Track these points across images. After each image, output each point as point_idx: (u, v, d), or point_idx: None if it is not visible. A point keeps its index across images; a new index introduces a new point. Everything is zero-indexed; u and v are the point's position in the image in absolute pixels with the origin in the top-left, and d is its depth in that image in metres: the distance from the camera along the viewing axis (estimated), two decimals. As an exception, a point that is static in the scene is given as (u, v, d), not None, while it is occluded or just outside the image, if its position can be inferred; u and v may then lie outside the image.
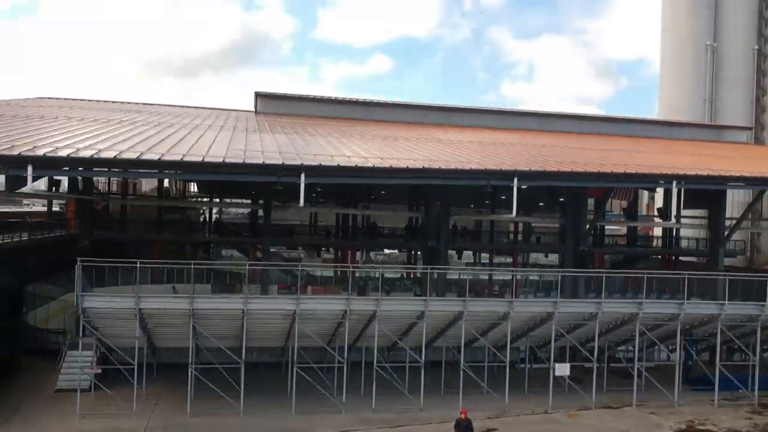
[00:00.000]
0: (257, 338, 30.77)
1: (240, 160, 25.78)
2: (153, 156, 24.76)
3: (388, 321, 30.15)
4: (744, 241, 68.89)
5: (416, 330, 30.95)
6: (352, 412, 29.05)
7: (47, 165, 23.55)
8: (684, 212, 59.42)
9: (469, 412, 26.11)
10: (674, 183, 32.16)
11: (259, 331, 30.10)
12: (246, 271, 31.61)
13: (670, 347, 35.62)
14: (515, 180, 28.84)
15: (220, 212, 72.84)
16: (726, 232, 41.11)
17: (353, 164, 27.37)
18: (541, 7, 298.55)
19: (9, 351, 35.43)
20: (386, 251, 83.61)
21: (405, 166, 28.10)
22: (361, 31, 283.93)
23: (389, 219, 62.09)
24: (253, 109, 59.42)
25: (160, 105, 60.50)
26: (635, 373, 32.41)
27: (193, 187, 71.85)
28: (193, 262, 29.12)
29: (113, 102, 59.88)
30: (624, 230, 74.50)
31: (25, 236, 46.55)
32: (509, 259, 75.98)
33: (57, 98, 58.78)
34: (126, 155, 24.36)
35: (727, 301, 32.28)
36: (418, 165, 28.41)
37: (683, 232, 64.08)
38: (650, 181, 33.69)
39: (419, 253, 61.33)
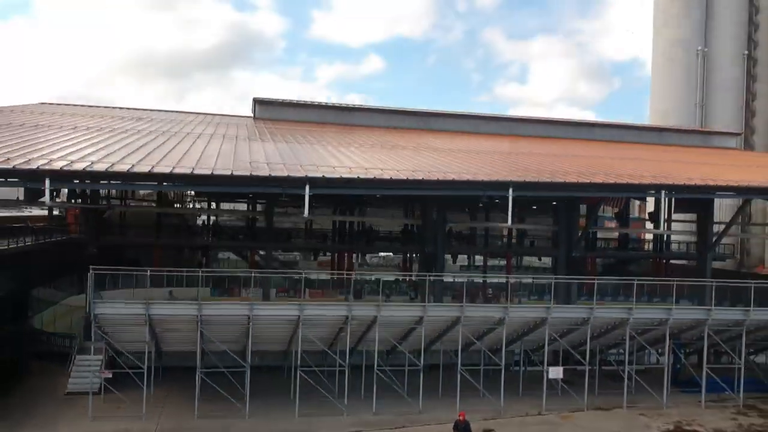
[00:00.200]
0: (261, 342, 31.76)
1: (248, 173, 26.84)
2: (165, 169, 25.80)
3: (388, 326, 31.29)
4: (733, 244, 70.11)
5: (415, 334, 32.09)
6: (354, 414, 30.15)
7: (64, 178, 24.57)
8: (675, 216, 60.85)
9: (466, 414, 27.29)
10: (663, 193, 33.34)
11: (263, 335, 31.16)
12: (252, 278, 32.47)
13: (659, 351, 36.77)
14: (510, 190, 29.98)
15: (216, 215, 73.67)
16: (714, 238, 42.23)
17: (355, 176, 28.47)
18: (534, 8, 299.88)
19: (17, 354, 36.25)
20: (381, 254, 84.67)
21: (405, 177, 29.23)
22: (354, 32, 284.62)
23: (385, 222, 63.01)
24: (251, 114, 60.67)
25: (159, 111, 61.47)
26: (626, 375, 33.53)
27: (191, 191, 72.80)
28: (201, 270, 30.21)
29: (113, 108, 60.93)
30: (616, 233, 75.82)
31: (28, 241, 47.56)
32: (503, 262, 77.27)
33: (58, 104, 59.71)
34: (139, 168, 25.38)
35: (713, 307, 33.51)
36: (418, 177, 29.54)
37: (674, 235, 65.37)
38: (640, 190, 34.95)
39: (415, 255, 62.82)
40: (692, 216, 55.89)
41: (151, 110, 61.78)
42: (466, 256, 72.20)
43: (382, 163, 33.06)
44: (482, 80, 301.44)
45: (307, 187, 26.94)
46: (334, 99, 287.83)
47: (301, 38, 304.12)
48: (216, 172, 26.33)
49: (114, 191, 56.76)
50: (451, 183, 30.09)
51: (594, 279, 34.54)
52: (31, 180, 23.97)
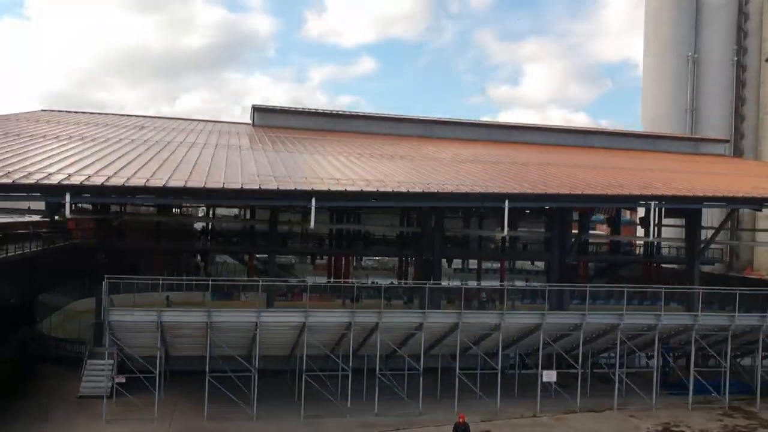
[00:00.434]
0: (267, 347, 32.95)
1: (256, 186, 28.10)
2: (178, 184, 27.05)
3: (388, 331, 32.60)
4: (722, 249, 71.64)
5: (415, 339, 33.42)
6: (357, 416, 31.46)
7: (83, 192, 25.82)
8: (665, 221, 62.38)
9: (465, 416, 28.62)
10: (653, 204, 34.81)
11: (269, 341, 32.38)
12: (259, 284, 33.71)
13: (649, 354, 38.17)
14: (506, 202, 31.35)
15: (213, 218, 74.77)
16: (702, 245, 43.67)
17: (359, 189, 29.78)
18: (526, 9, 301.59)
19: (27, 358, 37.40)
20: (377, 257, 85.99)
21: (405, 190, 30.53)
22: (347, 33, 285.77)
23: (384, 229, 64.31)
24: (249, 120, 61.97)
25: (159, 118, 62.59)
26: (616, 378, 34.87)
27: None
28: (210, 279, 31.50)
29: (113, 115, 62.03)
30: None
31: (33, 247, 48.73)
32: (496, 264, 78.64)
33: (59, 111, 60.77)
34: (154, 183, 26.63)
35: (700, 313, 34.96)
36: (418, 189, 30.86)
37: (665, 242, 66.85)
38: (631, 201, 36.46)
39: (411, 259, 64.18)
40: (682, 221, 57.48)
41: (151, 117, 62.93)
42: (460, 260, 73.67)
43: (384, 175, 34.32)
44: (475, 81, 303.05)
45: (314, 200, 28.24)
46: (326, 100, 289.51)
47: (294, 39, 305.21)
48: (227, 186, 27.57)
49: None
50: (450, 195, 31.47)
51: (586, 286, 35.91)
52: (52, 194, 25.18)
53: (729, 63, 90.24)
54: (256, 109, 60.64)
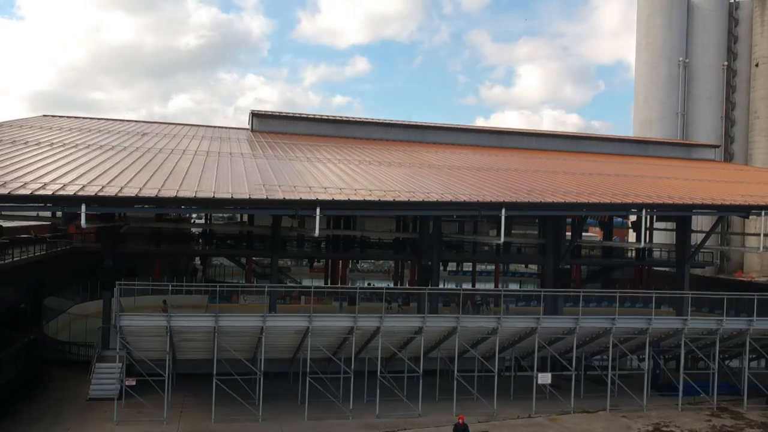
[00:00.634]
0: (271, 351, 34.03)
1: (264, 197, 29.20)
2: (188, 194, 28.13)
3: (389, 335, 33.72)
4: (712, 252, 73.01)
5: (414, 343, 34.55)
6: (358, 417, 32.52)
7: (98, 203, 26.85)
8: (657, 224, 63.76)
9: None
10: (644, 211, 36.08)
11: (273, 344, 33.46)
12: (266, 290, 34.79)
13: (640, 357, 39.39)
14: (503, 210, 32.57)
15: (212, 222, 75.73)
16: (692, 251, 44.91)
17: (361, 198, 30.90)
18: (519, 11, 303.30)
19: (35, 362, 38.29)
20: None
21: (407, 199, 31.68)
22: (340, 33, 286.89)
23: (383, 235, 65.34)
24: (247, 125, 63.14)
25: (159, 123, 63.68)
26: (609, 380, 35.92)
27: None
28: (218, 285, 32.52)
29: (114, 120, 62.92)
30: (599, 238, 78.68)
31: (35, 251, 49.57)
32: (490, 266, 79.96)
33: (60, 116, 61.78)
34: (166, 193, 27.72)
35: (689, 317, 36.22)
36: (418, 199, 32.01)
37: (656, 241, 68.19)
38: (623, 209, 37.76)
39: (407, 262, 65.46)
40: (673, 224, 58.80)
41: (151, 122, 64.00)
42: (455, 262, 74.88)
43: (383, 183, 35.46)
44: (468, 82, 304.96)
45: (318, 210, 29.44)
46: (319, 101, 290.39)
47: (287, 39, 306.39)
48: (235, 197, 28.66)
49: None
50: (450, 204, 32.65)
51: (580, 291, 37.10)
52: (69, 205, 26.22)
53: (719, 67, 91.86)
54: (255, 115, 61.79)
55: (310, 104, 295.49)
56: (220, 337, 31.76)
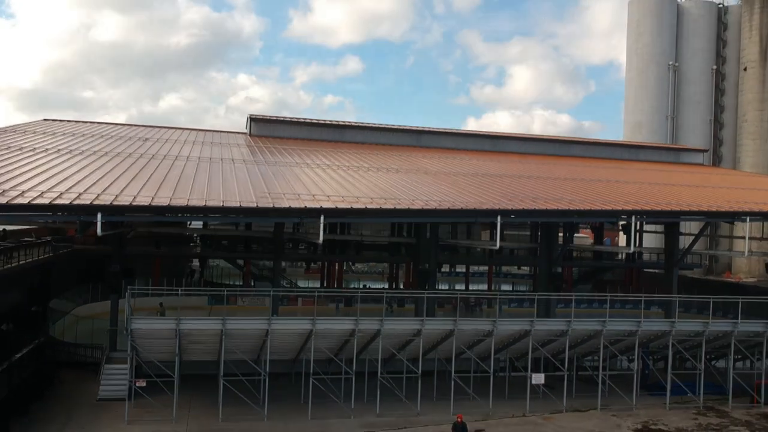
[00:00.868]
0: (275, 352, 35.25)
1: (270, 205, 30.47)
2: (199, 202, 29.43)
3: (389, 337, 35.04)
4: (700, 254, 74.54)
5: (413, 344, 35.87)
6: (360, 416, 33.79)
7: (114, 212, 28.07)
8: (646, 227, 65.25)
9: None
10: (633, 218, 37.58)
11: (278, 346, 34.70)
12: (270, 294, 36.05)
13: (630, 358, 40.84)
14: (498, 218, 33.99)
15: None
16: (680, 255, 46.42)
17: (363, 207, 32.22)
18: (510, 11, 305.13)
19: (44, 364, 39.39)
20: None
21: (406, 207, 33.03)
22: (331, 33, 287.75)
23: (381, 240, 66.69)
24: (245, 129, 64.48)
25: (159, 128, 64.62)
26: (600, 380, 37.24)
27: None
28: (225, 289, 33.76)
29: (114, 125, 64.07)
30: (590, 241, 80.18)
31: (39, 254, 50.61)
32: (483, 268, 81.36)
33: (60, 120, 62.77)
34: (177, 202, 28.99)
35: (677, 320, 37.69)
36: (417, 207, 33.35)
37: (646, 243, 69.74)
38: (614, 215, 39.35)
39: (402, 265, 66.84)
40: (662, 227, 60.31)
41: (151, 127, 64.98)
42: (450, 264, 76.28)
43: (383, 190, 36.77)
44: (460, 82, 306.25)
45: (322, 217, 30.77)
46: (310, 100, 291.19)
47: (279, 38, 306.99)
48: (243, 205, 29.93)
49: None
50: (447, 212, 34.03)
51: (572, 295, 38.51)
52: (86, 214, 27.44)
53: (709, 71, 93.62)
54: (253, 120, 63.06)
55: (302, 104, 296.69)
56: (227, 339, 32.98)
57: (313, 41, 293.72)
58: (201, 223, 70.85)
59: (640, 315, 37.57)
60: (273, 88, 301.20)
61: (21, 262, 46.41)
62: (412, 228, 52.06)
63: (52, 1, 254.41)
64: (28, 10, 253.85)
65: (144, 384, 32.89)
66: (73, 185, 30.34)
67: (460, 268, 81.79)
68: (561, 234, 49.15)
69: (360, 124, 64.58)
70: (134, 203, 28.18)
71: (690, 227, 63.32)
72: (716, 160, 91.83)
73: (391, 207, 32.66)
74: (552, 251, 45.19)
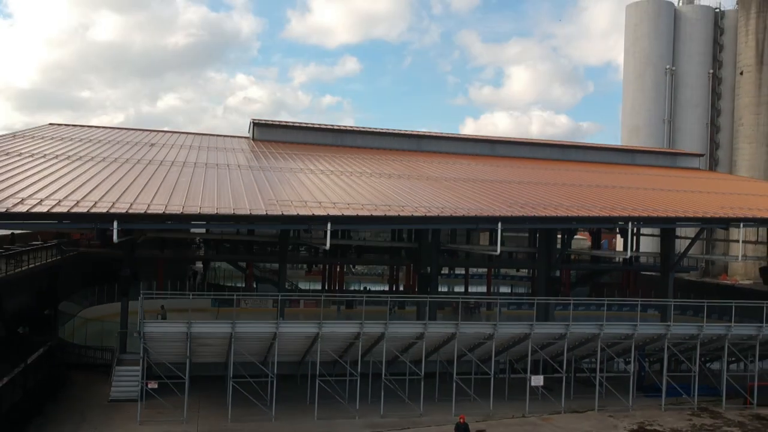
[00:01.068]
0: (281, 354, 36.27)
1: (279, 212, 31.48)
2: (210, 210, 30.49)
3: (393, 340, 36.11)
4: (696, 258, 75.59)
5: (416, 347, 36.97)
6: (364, 417, 34.83)
7: (129, 220, 29.12)
8: (643, 230, 66.28)
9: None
10: (630, 224, 38.69)
11: (285, 348, 35.73)
12: (279, 298, 37.09)
13: (626, 360, 41.91)
14: (499, 224, 35.08)
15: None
16: (675, 259, 47.50)
17: (368, 213, 33.24)
18: (508, 11, 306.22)
19: (57, 365, 40.41)
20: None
21: (410, 214, 34.06)
22: (330, 33, 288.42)
23: (384, 244, 67.78)
24: (247, 133, 65.55)
25: (163, 132, 65.64)
26: (597, 382, 38.27)
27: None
28: (235, 294, 34.81)
29: (119, 129, 64.99)
30: (588, 243, 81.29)
31: (47, 257, 51.71)
32: (482, 270, 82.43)
33: (66, 125, 63.73)
34: (189, 210, 30.04)
35: (672, 323, 38.77)
36: (420, 214, 34.37)
37: (643, 247, 70.86)
38: (611, 222, 40.43)
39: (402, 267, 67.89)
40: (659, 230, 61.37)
41: (155, 131, 65.93)
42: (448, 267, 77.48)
43: (387, 197, 37.80)
44: (458, 83, 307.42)
45: (329, 224, 31.87)
46: (308, 101, 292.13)
47: (277, 39, 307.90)
48: (253, 213, 30.99)
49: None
50: (450, 219, 35.07)
51: (570, 300, 39.60)
52: (102, 222, 28.46)
53: (705, 75, 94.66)
54: (256, 124, 64.06)
55: (300, 104, 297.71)
56: (235, 342, 34.01)
57: (311, 42, 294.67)
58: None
59: (637, 318, 38.60)
60: (271, 89, 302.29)
61: (30, 266, 47.56)
62: (413, 233, 53.13)
63: (49, 1, 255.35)
64: (26, 10, 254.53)
65: (156, 386, 33.86)
66: (88, 193, 31.34)
67: (459, 270, 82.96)
68: (559, 236, 50.47)
69: (362, 129, 65.58)
70: (149, 211, 29.17)
71: (686, 230, 64.47)
72: (713, 164, 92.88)
73: (395, 214, 33.69)
74: (550, 255, 46.24)
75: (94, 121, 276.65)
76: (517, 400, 37.89)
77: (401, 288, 73.55)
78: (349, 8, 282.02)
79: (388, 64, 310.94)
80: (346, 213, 32.77)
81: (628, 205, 41.68)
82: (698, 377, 39.48)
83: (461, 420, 30.81)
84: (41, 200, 28.93)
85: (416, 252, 50.07)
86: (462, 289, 75.73)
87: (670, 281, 45.25)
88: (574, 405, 38.39)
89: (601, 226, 47.82)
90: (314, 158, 52.55)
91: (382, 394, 35.47)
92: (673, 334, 38.60)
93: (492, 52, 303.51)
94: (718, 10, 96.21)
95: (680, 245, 52.93)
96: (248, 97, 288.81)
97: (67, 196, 30.22)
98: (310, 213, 32.06)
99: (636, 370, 40.21)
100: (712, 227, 51.55)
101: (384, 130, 65.50)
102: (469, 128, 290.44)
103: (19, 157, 40.31)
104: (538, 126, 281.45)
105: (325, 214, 32.08)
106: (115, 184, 34.56)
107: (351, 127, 67.23)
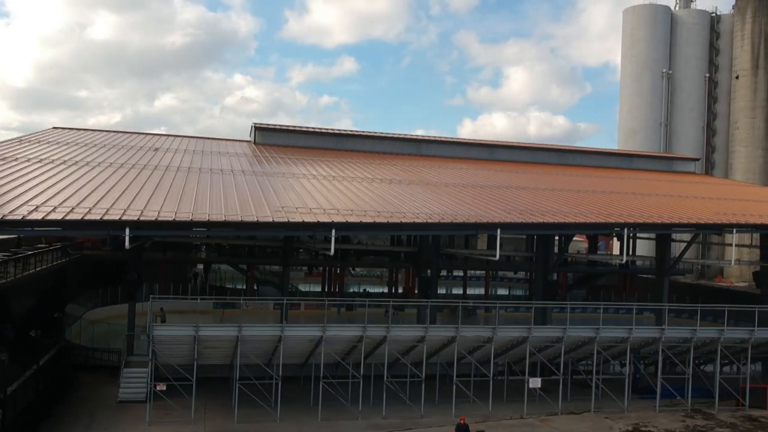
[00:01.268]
0: (286, 356, 37.18)
1: (285, 219, 32.41)
2: (218, 217, 31.40)
3: (395, 343, 37.03)
4: (691, 262, 76.49)
5: (417, 350, 37.90)
6: (367, 418, 35.71)
7: (141, 227, 30.01)
8: (639, 234, 67.21)
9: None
10: (626, 230, 39.67)
11: (289, 351, 36.65)
12: (284, 303, 38.01)
13: (622, 362, 42.86)
14: (498, 231, 36.04)
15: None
16: (671, 263, 48.44)
17: (371, 220, 34.21)
18: (507, 12, 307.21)
19: (66, 367, 41.27)
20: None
21: (411, 221, 35.04)
22: (327, 33, 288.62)
23: (377, 241, 68.52)
24: (248, 136, 66.47)
25: (166, 136, 66.61)
26: (593, 384, 39.15)
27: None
28: (242, 298, 35.75)
29: (123, 133, 65.85)
30: (585, 245, 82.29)
31: (53, 260, 52.41)
32: (480, 272, 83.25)
33: (70, 128, 64.59)
34: (198, 217, 30.96)
35: (666, 327, 39.76)
36: (422, 220, 35.36)
37: (639, 250, 71.79)
38: (607, 228, 41.39)
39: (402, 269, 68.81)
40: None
41: (159, 135, 66.98)
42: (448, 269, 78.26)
43: (389, 204, 38.69)
44: (456, 83, 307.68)
45: (333, 231, 32.80)
46: (306, 101, 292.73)
47: (275, 39, 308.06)
48: (260, 220, 31.92)
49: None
50: (450, 225, 36.11)
51: (567, 304, 40.59)
52: (114, 229, 29.35)
53: (702, 79, 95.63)
54: (257, 128, 65.00)
55: (298, 104, 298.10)
56: (241, 344, 34.89)
57: (309, 42, 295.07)
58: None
59: (632, 321, 39.54)
60: (269, 89, 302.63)
61: (37, 269, 48.31)
62: (413, 238, 54.03)
63: (46, 0, 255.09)
64: (22, 9, 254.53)
65: (164, 387, 34.69)
66: (99, 200, 32.24)
67: (458, 272, 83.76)
68: (557, 238, 51.39)
69: (362, 134, 66.59)
70: (159, 218, 30.09)
71: (682, 234, 65.44)
72: (709, 167, 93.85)
73: (396, 221, 34.64)
74: (548, 259, 47.18)
75: (92, 121, 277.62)
76: (516, 401, 38.78)
77: (400, 290, 74.37)
78: (347, 8, 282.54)
79: (385, 65, 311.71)
80: (350, 220, 33.71)
81: (625, 211, 42.64)
82: (692, 379, 40.39)
83: (462, 421, 31.72)
84: (54, 207, 29.77)
85: (416, 255, 50.98)
86: (460, 291, 76.54)
87: (664, 285, 46.17)
88: (571, 406, 39.29)
89: (598, 233, 48.81)
90: (316, 163, 53.49)
91: (384, 395, 36.36)
92: (668, 338, 39.55)
93: (490, 53, 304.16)
94: (714, 14, 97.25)
95: (676, 249, 53.98)
96: (245, 97, 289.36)
97: (79, 203, 31.08)
98: (315, 220, 32.98)
99: (631, 372, 41.04)
100: (707, 232, 52.45)
101: (384, 135, 66.53)
102: (467, 129, 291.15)
103: (27, 163, 41.24)
104: (536, 127, 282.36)
105: (329, 221, 33.01)
106: (125, 190, 35.48)
107: (352, 131, 68.22)
